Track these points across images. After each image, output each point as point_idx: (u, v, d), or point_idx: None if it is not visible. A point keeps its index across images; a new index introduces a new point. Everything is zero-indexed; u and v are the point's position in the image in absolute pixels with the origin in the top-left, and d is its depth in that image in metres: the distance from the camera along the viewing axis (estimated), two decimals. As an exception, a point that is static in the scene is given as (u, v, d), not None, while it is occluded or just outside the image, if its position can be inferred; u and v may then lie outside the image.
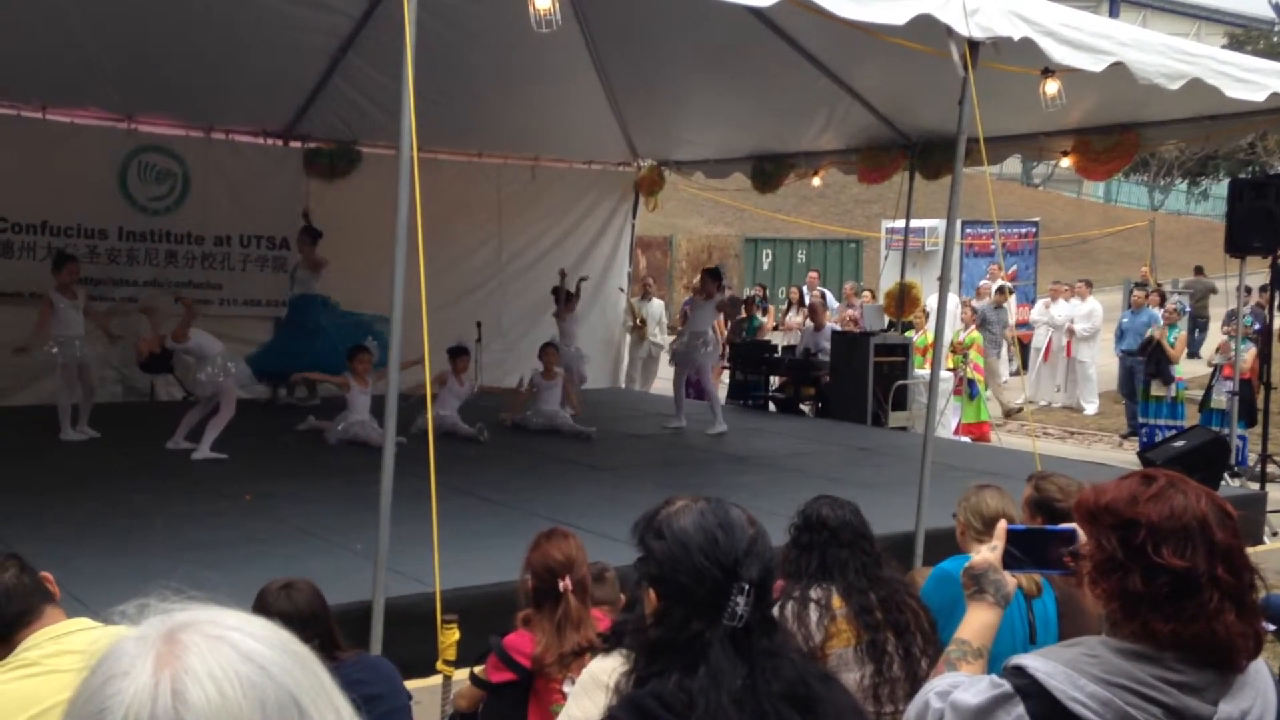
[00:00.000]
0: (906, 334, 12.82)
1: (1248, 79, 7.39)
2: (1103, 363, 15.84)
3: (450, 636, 4.34)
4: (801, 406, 12.78)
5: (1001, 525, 2.00)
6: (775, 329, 15.53)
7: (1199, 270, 21.37)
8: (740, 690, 1.68)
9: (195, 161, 11.46)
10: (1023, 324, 17.32)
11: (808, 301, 14.88)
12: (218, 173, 11.56)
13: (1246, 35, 37.38)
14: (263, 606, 3.07)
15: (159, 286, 11.30)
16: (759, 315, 15.51)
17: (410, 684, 4.33)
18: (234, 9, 8.74)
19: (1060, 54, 6.27)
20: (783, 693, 1.71)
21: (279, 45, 9.58)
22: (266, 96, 10.90)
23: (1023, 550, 1.95)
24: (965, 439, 12.16)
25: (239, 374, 8.80)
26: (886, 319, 13.22)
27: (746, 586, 1.74)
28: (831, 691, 1.82)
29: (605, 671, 2.27)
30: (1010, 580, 1.98)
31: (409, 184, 4.55)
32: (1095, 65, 6.41)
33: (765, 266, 23.99)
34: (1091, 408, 15.28)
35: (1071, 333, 15.51)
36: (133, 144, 11.14)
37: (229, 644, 0.82)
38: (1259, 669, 1.71)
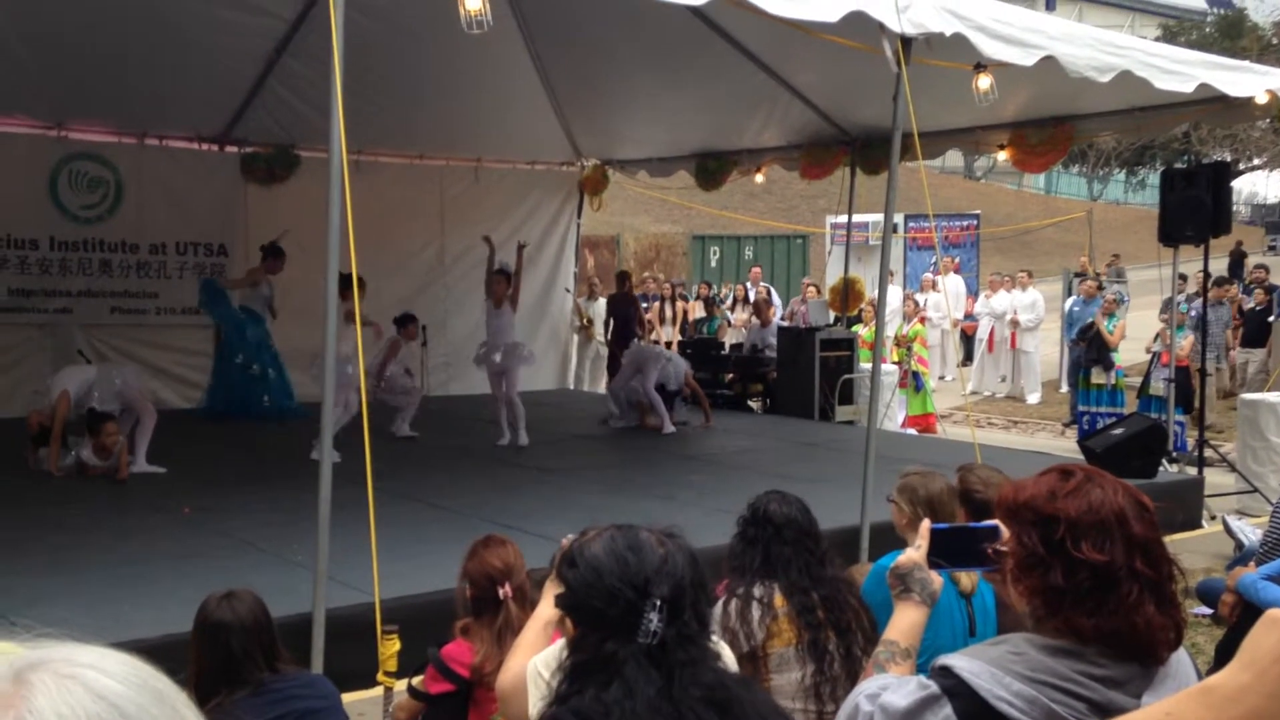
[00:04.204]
0: (853, 329, 12.91)
1: (1176, 70, 7.51)
2: (1045, 353, 16.07)
3: (391, 647, 4.28)
4: (750, 403, 12.82)
5: (925, 524, 2.00)
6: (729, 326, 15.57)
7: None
8: (656, 696, 1.70)
9: (128, 168, 11.22)
10: (967, 315, 17.53)
11: (752, 298, 14.92)
12: (152, 179, 11.33)
13: (1180, 27, 38.16)
14: (204, 617, 3.01)
15: (93, 296, 11.08)
16: (717, 315, 15.54)
17: (351, 696, 4.27)
18: (165, 13, 8.56)
19: (991, 49, 6.34)
20: (701, 696, 1.73)
21: (212, 49, 9.40)
22: (201, 101, 10.70)
23: (948, 548, 1.95)
24: (912, 431, 12.28)
25: (127, 377, 8.66)
26: (832, 314, 13.30)
27: (658, 603, 1.76)
28: (750, 693, 1.85)
29: (544, 664, 2.23)
30: (936, 579, 1.98)
31: (340, 187, 4.48)
32: (1026, 59, 6.49)
33: (713, 264, 24.03)
34: (1034, 397, 15.50)
35: (1015, 323, 15.71)
36: (63, 152, 10.89)
37: (80, 682, 0.78)
38: (1180, 659, 1.72)
